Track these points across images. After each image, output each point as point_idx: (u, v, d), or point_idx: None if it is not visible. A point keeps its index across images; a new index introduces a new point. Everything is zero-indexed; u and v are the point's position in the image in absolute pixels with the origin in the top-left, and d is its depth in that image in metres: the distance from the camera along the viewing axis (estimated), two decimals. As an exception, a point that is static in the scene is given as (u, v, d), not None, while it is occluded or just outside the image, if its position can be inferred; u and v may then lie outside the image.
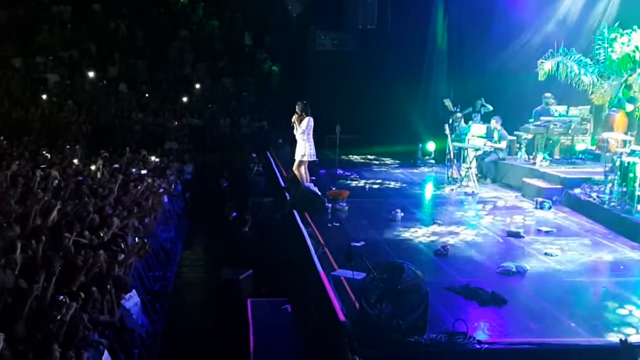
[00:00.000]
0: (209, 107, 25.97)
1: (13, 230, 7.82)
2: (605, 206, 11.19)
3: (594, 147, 15.27)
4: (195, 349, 8.98)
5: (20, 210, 9.07)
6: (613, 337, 6.14)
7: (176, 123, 24.34)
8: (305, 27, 25.38)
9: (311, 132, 12.61)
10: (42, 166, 14.52)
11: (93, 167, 14.94)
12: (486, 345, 6.00)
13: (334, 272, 8.10)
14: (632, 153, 11.14)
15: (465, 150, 15.13)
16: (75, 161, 16.26)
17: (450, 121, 16.14)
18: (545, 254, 9.27)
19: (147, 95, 25.87)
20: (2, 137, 20.60)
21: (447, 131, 15.04)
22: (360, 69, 22.93)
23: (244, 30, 29.14)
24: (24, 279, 6.38)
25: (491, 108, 16.23)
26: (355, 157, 19.95)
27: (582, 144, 15.43)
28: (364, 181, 15.65)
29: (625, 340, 5.38)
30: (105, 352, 6.17)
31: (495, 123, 15.27)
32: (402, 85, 20.42)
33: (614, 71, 14.97)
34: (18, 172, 12.96)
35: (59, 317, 5.71)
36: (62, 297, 6.04)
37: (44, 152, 17.74)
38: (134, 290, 7.90)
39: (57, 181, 12.11)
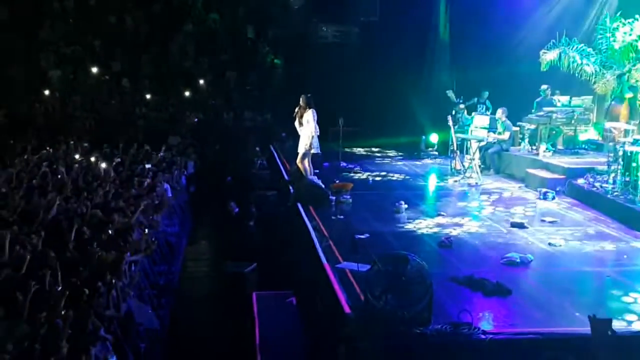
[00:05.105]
0: (212, 102, 25.95)
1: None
2: (609, 196, 11.21)
3: (597, 137, 15.27)
4: (201, 343, 9.02)
5: (24, 205, 9.11)
6: (618, 325, 6.13)
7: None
8: (307, 19, 25.34)
9: (316, 125, 12.59)
10: (45, 162, 14.54)
11: (94, 160, 14.96)
12: (491, 336, 6.02)
13: (338, 264, 8.13)
14: (635, 142, 11.13)
15: (469, 142, 15.11)
16: (78, 156, 16.27)
17: (453, 112, 16.17)
18: (549, 244, 9.30)
19: (150, 90, 25.84)
20: (6, 133, 20.62)
21: (450, 123, 15.03)
22: (362, 61, 22.89)
23: (246, 23, 29.08)
24: (29, 274, 6.43)
25: (491, 108, 16.32)
26: (358, 149, 19.93)
27: (585, 133, 15.42)
28: (367, 173, 15.64)
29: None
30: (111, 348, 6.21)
31: (500, 114, 15.23)
32: (404, 77, 20.41)
33: (616, 61, 14.95)
34: (22, 167, 12.99)
35: (64, 312, 5.75)
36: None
37: (48, 148, 17.74)
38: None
39: (59, 176, 12.15)
